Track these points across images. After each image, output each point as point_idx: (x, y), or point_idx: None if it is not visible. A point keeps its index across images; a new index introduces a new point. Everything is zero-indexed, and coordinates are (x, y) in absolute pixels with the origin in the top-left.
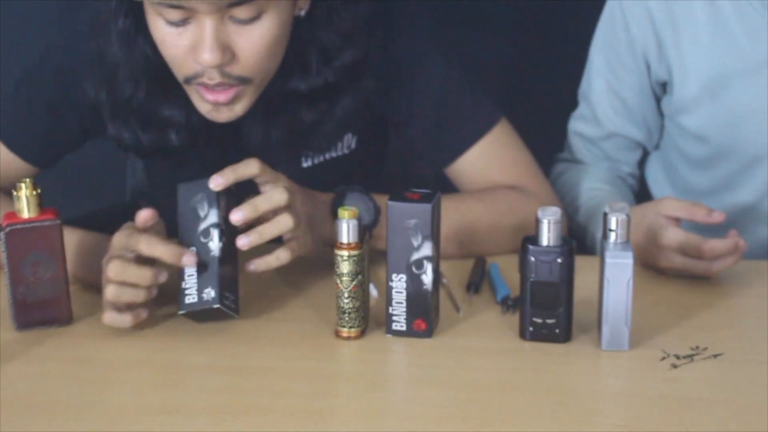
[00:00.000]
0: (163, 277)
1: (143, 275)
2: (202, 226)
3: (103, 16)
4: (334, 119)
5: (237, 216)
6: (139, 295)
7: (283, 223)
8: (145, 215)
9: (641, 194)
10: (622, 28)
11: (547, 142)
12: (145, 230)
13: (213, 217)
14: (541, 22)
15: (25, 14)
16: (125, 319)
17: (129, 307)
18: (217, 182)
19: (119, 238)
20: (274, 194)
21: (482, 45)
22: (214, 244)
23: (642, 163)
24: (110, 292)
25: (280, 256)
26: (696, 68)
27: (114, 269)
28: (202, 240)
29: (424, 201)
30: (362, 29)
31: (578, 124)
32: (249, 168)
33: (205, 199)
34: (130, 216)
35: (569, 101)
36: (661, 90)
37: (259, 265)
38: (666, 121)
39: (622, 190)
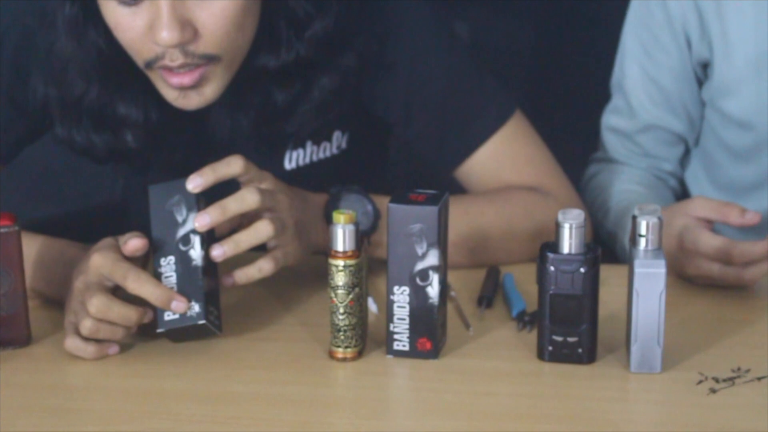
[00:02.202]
0: (148, 317)
1: (128, 316)
2: (181, 232)
3: (50, 5)
4: (310, 101)
5: (203, 220)
6: (117, 333)
7: (261, 231)
8: (135, 244)
9: (683, 197)
10: (658, 5)
11: (580, 142)
12: (131, 260)
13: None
14: (568, 1)
15: None
16: (89, 350)
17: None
18: (195, 183)
19: (100, 262)
20: (245, 194)
21: (500, 28)
22: (196, 253)
23: (684, 161)
24: (87, 327)
25: (263, 267)
26: (740, 45)
27: (97, 305)
28: (182, 248)
29: (430, 203)
30: None
31: (612, 118)
32: (231, 166)
33: (183, 202)
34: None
35: (604, 94)
36: (703, 72)
37: (239, 277)
38: (706, 109)
39: (661, 192)
